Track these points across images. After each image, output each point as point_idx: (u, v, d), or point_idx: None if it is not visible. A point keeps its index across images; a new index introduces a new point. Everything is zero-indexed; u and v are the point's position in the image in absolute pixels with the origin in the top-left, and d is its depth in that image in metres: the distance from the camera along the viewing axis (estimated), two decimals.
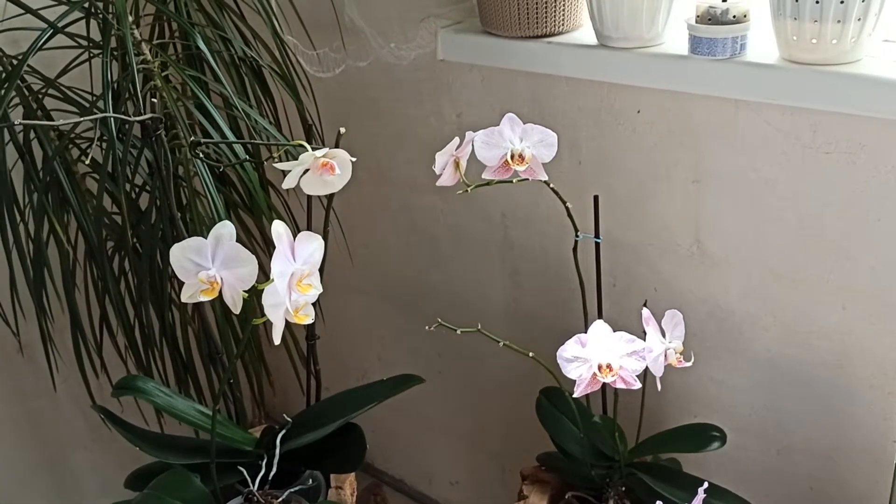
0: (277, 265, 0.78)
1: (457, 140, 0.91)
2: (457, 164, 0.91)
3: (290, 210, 1.33)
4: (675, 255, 1.19)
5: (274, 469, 1.10)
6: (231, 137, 1.06)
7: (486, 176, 0.91)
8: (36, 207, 1.14)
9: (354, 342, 1.74)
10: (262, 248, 1.31)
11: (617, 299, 1.26)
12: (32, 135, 1.18)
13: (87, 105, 1.11)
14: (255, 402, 1.39)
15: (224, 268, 0.80)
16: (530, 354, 0.97)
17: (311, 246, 0.82)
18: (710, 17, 0.96)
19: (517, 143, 0.89)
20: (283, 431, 1.14)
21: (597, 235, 1.02)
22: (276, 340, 0.83)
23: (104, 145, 1.17)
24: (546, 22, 1.08)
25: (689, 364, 0.93)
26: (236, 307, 0.80)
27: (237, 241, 0.81)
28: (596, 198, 1.01)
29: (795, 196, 1.05)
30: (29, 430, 1.61)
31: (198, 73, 1.14)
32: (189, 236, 1.10)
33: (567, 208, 1.00)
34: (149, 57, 1.10)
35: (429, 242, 1.50)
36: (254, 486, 1.09)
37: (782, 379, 1.15)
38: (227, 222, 0.80)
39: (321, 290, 0.83)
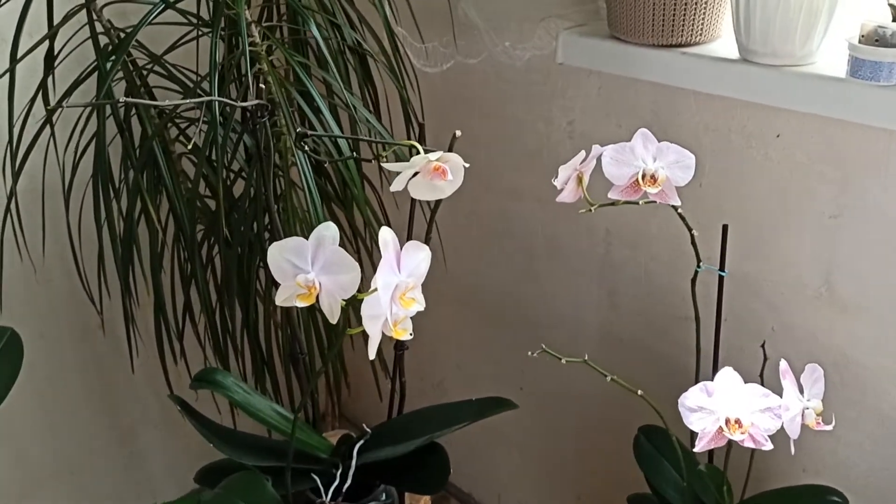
0: (383, 276, 0.72)
1: (582, 153, 0.83)
2: (579, 180, 0.83)
3: (383, 205, 1.28)
4: (800, 294, 1.08)
5: (349, 481, 1.05)
6: (334, 128, 1.00)
7: (612, 196, 0.83)
8: (131, 185, 1.11)
9: (434, 347, 1.67)
10: (351, 241, 1.26)
11: (727, 335, 1.16)
12: (133, 111, 1.15)
13: (192, 85, 1.07)
14: (331, 403, 1.34)
15: (324, 273, 0.74)
16: (639, 393, 0.89)
17: (418, 257, 0.76)
18: (877, 38, 0.85)
19: (650, 163, 0.81)
20: (361, 442, 1.09)
21: (722, 268, 0.93)
22: (372, 355, 0.77)
23: (204, 127, 1.14)
24: (683, 30, 0.99)
25: (829, 427, 0.83)
26: (333, 316, 0.74)
27: None
28: (725, 227, 0.92)
29: None
30: (103, 404, 1.60)
31: (304, 59, 1.09)
32: (282, 228, 1.05)
33: (692, 236, 0.91)
34: (257, 39, 1.06)
35: (524, 253, 1.42)
36: (326, 496, 1.04)
37: None
38: (331, 224, 0.74)
39: (423, 307, 0.76)
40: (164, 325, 1.24)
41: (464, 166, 0.83)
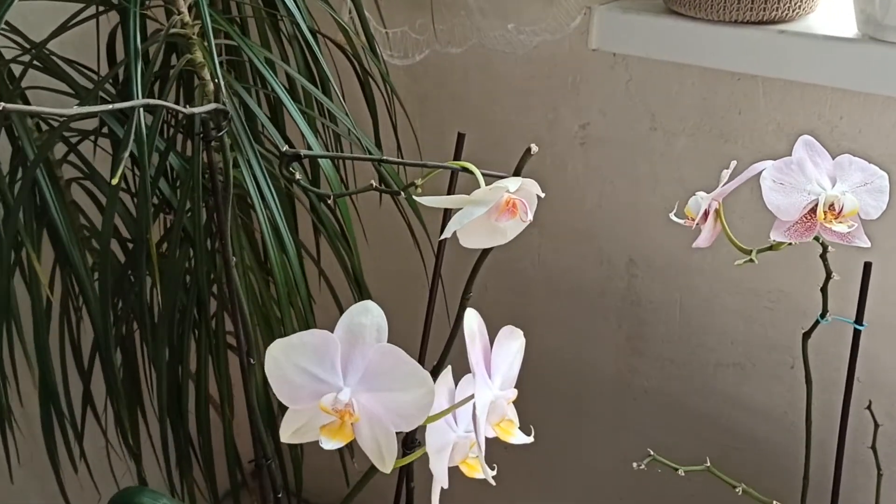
0: (482, 393, 0.43)
1: (726, 173, 0.57)
2: (718, 214, 0.57)
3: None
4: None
5: None
6: (316, 146, 0.70)
7: (776, 236, 0.56)
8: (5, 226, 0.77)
9: None
10: None
11: (786, 388, 0.94)
12: None
13: (93, 85, 0.74)
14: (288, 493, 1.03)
15: (366, 388, 0.44)
16: None
17: (511, 350, 0.48)
18: None
19: (829, 186, 0.55)
20: None
21: (859, 320, 0.69)
22: (435, 502, 0.49)
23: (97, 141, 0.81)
24: (779, 4, 0.74)
25: None
26: (384, 461, 0.45)
27: None
28: (867, 265, 0.68)
29: None
30: None
31: (267, 50, 0.78)
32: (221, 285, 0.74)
33: (827, 279, 0.67)
34: (187, 18, 0.74)
35: (517, 286, 1.16)
36: None
37: None
38: (372, 305, 0.45)
39: (526, 438, 0.48)
40: (54, 417, 0.90)
41: (539, 195, 0.57)
